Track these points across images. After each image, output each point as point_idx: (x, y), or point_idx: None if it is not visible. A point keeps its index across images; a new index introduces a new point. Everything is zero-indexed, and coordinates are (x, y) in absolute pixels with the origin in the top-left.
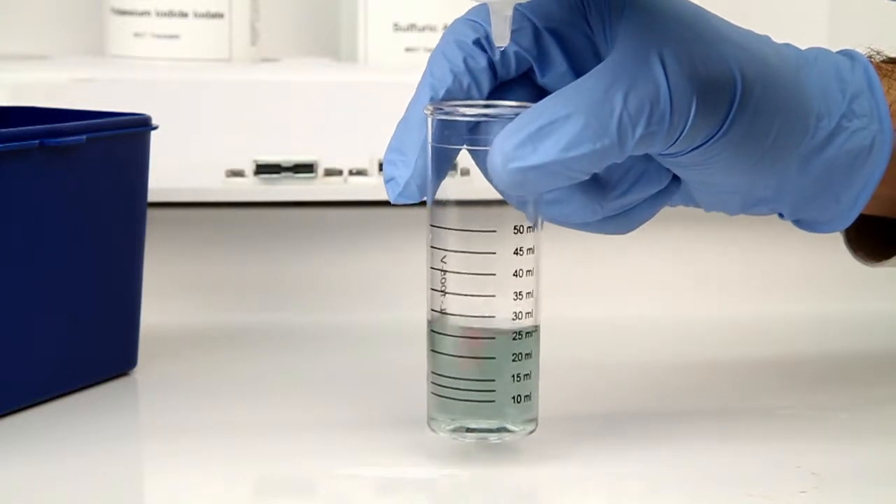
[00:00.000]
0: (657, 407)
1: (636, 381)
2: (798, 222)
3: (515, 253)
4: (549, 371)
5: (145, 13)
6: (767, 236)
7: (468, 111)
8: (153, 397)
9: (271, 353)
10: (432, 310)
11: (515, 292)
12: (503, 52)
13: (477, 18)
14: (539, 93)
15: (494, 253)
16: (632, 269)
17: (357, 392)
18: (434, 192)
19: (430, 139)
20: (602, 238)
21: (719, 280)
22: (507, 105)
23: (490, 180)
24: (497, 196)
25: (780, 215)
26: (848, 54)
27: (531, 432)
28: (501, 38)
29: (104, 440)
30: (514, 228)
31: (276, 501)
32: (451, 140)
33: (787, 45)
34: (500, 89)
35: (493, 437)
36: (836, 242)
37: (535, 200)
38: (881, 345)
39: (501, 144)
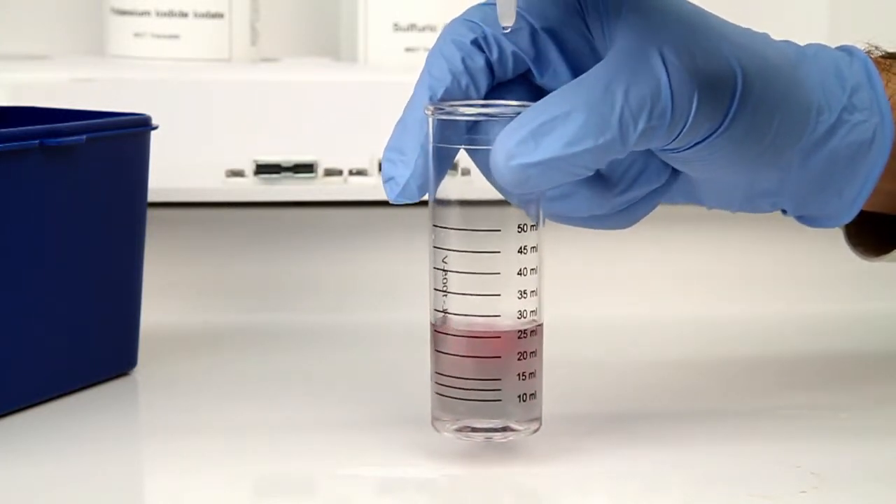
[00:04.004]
0: (657, 406)
1: (636, 381)
2: (801, 218)
3: (520, 251)
4: (549, 370)
5: (145, 13)
6: (767, 236)
7: (469, 111)
8: (153, 397)
9: (271, 353)
10: (435, 310)
11: (520, 291)
12: (501, 53)
13: (474, 18)
14: (537, 93)
15: (499, 252)
16: (631, 268)
17: (357, 392)
18: (435, 192)
19: (430, 139)
20: (603, 238)
21: (719, 280)
22: (507, 104)
23: (492, 179)
24: (498, 196)
25: (784, 211)
26: (846, 50)
27: (535, 431)
28: (507, 16)
29: (104, 440)
30: (518, 227)
31: (276, 501)
32: (451, 140)
33: (787, 41)
34: (497, 89)
35: (497, 437)
36: (836, 242)
37: (537, 199)
38: (881, 345)
39: (504, 142)
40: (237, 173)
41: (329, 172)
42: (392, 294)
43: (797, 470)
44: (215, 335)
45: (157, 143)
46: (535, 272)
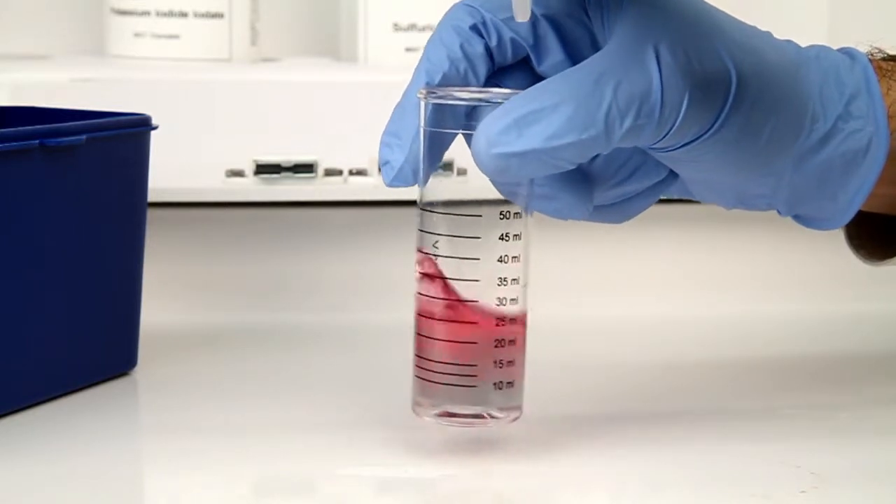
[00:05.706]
0: (657, 407)
1: (636, 381)
2: (797, 218)
3: (501, 238)
4: (549, 370)
5: (145, 13)
6: (767, 236)
7: (460, 95)
8: (153, 397)
9: (271, 353)
10: (418, 293)
11: (500, 278)
12: (500, 39)
13: (474, 4)
14: (538, 80)
15: (479, 238)
16: (631, 268)
17: (357, 392)
18: (427, 177)
19: (422, 123)
20: (601, 237)
21: (718, 280)
22: (500, 91)
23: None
24: (488, 196)
25: (779, 211)
26: (848, 53)
27: (515, 419)
28: (522, 12)
29: (104, 440)
30: (501, 214)
31: (276, 501)
32: (443, 124)
33: (789, 41)
34: (497, 75)
35: (476, 423)
36: (835, 242)
37: (525, 191)
38: (881, 345)
39: (486, 129)
40: (237, 173)
41: (329, 172)
42: (392, 294)
43: (797, 470)
44: (215, 335)
45: (157, 143)
46: (518, 261)
